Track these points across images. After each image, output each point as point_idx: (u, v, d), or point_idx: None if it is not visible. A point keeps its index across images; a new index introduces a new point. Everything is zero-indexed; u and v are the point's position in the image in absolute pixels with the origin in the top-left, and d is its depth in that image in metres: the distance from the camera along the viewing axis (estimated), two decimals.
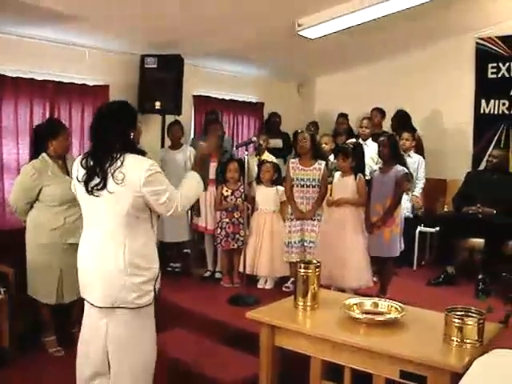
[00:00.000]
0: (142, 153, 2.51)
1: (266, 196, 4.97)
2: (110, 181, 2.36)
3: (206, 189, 5.09)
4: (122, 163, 2.36)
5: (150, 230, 2.51)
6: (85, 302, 2.57)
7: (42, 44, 4.90)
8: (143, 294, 2.44)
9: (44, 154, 3.63)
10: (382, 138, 4.55)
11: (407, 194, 5.17)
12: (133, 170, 2.36)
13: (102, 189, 2.38)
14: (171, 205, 2.46)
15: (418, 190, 5.64)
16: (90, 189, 2.41)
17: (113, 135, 2.41)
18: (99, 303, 2.46)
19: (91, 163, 2.43)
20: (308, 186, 4.62)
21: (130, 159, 2.40)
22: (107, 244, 2.42)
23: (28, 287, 3.69)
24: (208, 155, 2.79)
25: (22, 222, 3.76)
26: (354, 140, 4.81)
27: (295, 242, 4.63)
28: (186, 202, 2.55)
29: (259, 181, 5.02)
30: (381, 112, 6.36)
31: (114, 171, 2.35)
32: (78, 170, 2.50)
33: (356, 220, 4.38)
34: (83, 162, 2.47)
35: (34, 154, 3.71)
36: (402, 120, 6.11)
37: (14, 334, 3.60)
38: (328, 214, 4.46)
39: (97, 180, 2.39)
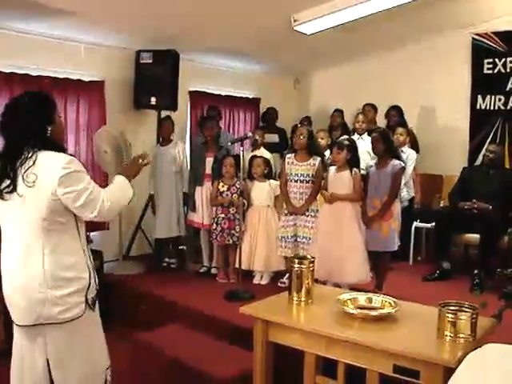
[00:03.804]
0: (62, 150, 2.24)
1: (260, 191, 4.97)
2: (19, 182, 2.11)
3: (201, 184, 5.20)
4: (34, 162, 2.11)
5: (77, 235, 2.26)
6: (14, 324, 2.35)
7: (37, 39, 4.89)
8: (70, 306, 2.19)
9: None
10: (374, 134, 4.54)
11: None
12: (46, 170, 2.11)
13: (11, 192, 2.12)
14: (93, 205, 2.18)
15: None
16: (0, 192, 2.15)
17: (25, 130, 2.16)
18: (21, 321, 2.25)
19: (0, 163, 2.18)
20: (302, 182, 4.62)
21: (44, 157, 2.13)
22: (24, 255, 2.17)
23: None
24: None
25: None
26: (347, 136, 4.80)
27: (288, 237, 4.64)
28: (114, 199, 2.25)
29: (251, 177, 5.02)
30: (373, 107, 6.36)
31: (25, 171, 2.10)
32: None
33: (354, 215, 4.37)
34: None
35: None
36: (401, 113, 6.11)
37: (8, 328, 3.59)
38: (325, 209, 4.45)
39: (7, 182, 2.13)
